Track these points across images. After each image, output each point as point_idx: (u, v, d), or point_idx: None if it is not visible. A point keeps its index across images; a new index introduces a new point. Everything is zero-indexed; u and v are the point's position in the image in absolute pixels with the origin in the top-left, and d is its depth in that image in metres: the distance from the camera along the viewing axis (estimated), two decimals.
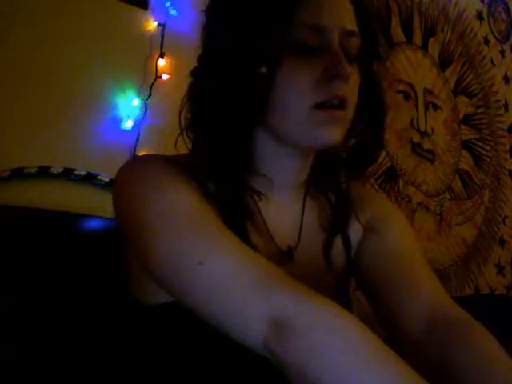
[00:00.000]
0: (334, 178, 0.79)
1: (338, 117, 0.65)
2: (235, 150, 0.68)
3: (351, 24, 0.67)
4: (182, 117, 0.70)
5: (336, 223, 0.78)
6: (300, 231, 0.74)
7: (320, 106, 0.64)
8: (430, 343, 0.67)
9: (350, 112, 0.67)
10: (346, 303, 0.73)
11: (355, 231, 0.79)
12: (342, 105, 0.65)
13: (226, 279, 0.56)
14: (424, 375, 0.51)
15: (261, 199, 0.71)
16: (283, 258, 0.71)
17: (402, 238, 0.79)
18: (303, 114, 0.64)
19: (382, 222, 0.78)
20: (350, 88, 0.66)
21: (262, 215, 0.71)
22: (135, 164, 0.70)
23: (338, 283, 0.76)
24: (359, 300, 0.80)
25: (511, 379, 0.59)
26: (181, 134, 0.70)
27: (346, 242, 0.79)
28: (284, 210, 0.74)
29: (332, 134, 0.65)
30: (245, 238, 0.66)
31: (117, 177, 0.69)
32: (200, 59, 0.71)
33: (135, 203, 0.64)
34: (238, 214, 0.68)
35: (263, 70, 0.63)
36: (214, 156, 0.68)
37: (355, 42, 0.67)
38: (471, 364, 0.62)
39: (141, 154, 1.22)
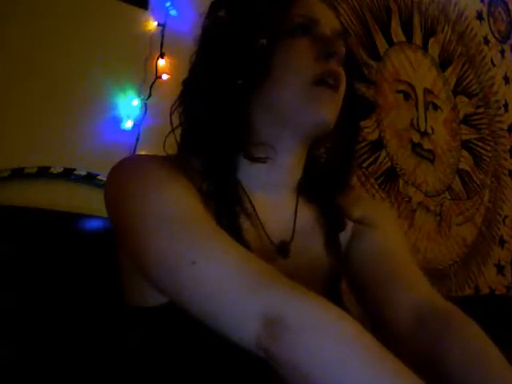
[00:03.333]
0: (323, 186, 0.80)
1: (333, 96, 0.70)
2: (231, 140, 0.70)
3: (340, 28, 0.74)
4: (174, 117, 0.72)
5: (329, 224, 0.79)
6: (294, 227, 0.75)
7: (317, 84, 0.69)
8: (418, 337, 0.68)
9: (341, 96, 0.72)
10: (338, 301, 0.73)
11: (346, 229, 0.80)
12: (336, 85, 0.70)
13: (220, 278, 0.56)
14: (413, 371, 0.50)
15: (254, 196, 0.72)
16: (277, 253, 0.72)
17: (391, 236, 0.81)
18: (301, 89, 0.69)
19: (371, 220, 0.79)
20: (342, 73, 0.71)
21: (256, 212, 0.72)
22: (127, 164, 0.69)
23: (329, 281, 0.77)
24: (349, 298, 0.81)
25: (500, 371, 0.59)
26: (172, 131, 0.72)
27: (337, 239, 0.79)
28: (278, 207, 0.75)
29: (327, 111, 0.69)
30: (239, 234, 0.67)
31: (109, 177, 0.69)
32: (197, 51, 0.74)
33: (128, 203, 0.63)
34: (231, 210, 0.69)
35: (263, 43, 0.69)
36: (208, 149, 0.70)
37: (342, 45, 0.73)
38: (460, 356, 0.62)
39: (133, 154, 1.22)
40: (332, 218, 0.79)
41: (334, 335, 0.52)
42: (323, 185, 0.79)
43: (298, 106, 0.69)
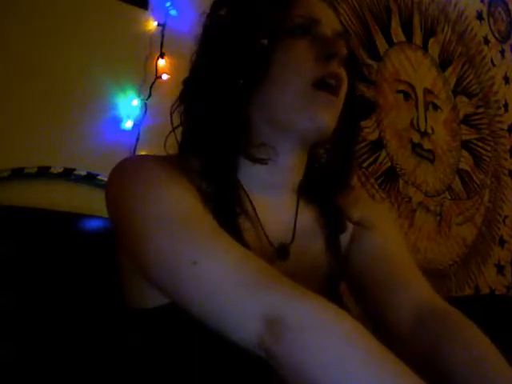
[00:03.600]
0: (323, 187, 0.80)
1: (333, 102, 0.69)
2: (231, 141, 0.69)
3: (340, 28, 0.74)
4: (174, 117, 0.72)
5: (330, 225, 0.79)
6: (294, 229, 0.75)
7: (318, 87, 0.68)
8: (419, 338, 0.68)
9: (341, 100, 0.71)
10: (338, 301, 0.73)
11: (345, 231, 0.80)
12: (337, 85, 0.69)
13: (220, 278, 0.56)
14: (414, 371, 0.50)
15: (255, 197, 0.72)
16: (276, 255, 0.72)
17: (390, 237, 0.81)
18: (302, 92, 0.68)
19: (370, 222, 0.79)
20: (344, 74, 0.71)
21: (256, 213, 0.71)
22: (128, 164, 0.69)
23: (329, 282, 0.77)
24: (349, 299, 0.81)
25: (501, 372, 0.60)
26: (173, 130, 0.72)
27: (337, 241, 0.79)
28: (278, 209, 0.75)
29: (326, 117, 0.69)
30: (238, 235, 0.67)
31: (110, 177, 0.69)
32: (198, 50, 0.74)
33: (130, 204, 0.64)
34: (231, 211, 0.69)
35: (263, 42, 0.68)
36: (208, 149, 0.69)
37: (343, 45, 0.72)
38: (461, 357, 0.62)
39: (134, 154, 1.22)
40: (333, 219, 0.79)
41: (334, 335, 0.52)
42: (324, 185, 0.79)
43: (297, 109, 0.68)
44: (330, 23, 0.72)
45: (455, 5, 2.27)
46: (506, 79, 2.46)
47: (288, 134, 0.71)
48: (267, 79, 0.69)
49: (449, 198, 2.08)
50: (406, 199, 1.91)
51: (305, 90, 0.68)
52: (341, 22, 0.76)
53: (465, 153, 2.20)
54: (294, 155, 0.73)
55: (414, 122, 2.00)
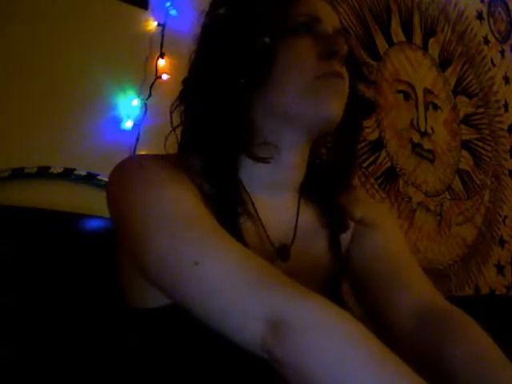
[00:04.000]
0: (325, 186, 0.80)
1: (339, 86, 0.69)
2: (233, 140, 0.69)
3: (340, 26, 0.74)
4: (174, 116, 0.72)
5: (332, 224, 0.79)
6: (295, 230, 0.75)
7: (321, 77, 0.68)
8: (420, 337, 0.68)
9: (346, 85, 0.71)
10: (339, 301, 0.73)
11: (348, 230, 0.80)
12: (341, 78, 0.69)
13: (222, 279, 0.56)
14: (415, 371, 0.50)
15: (256, 197, 0.72)
16: (277, 256, 0.72)
17: (391, 236, 0.81)
18: (305, 84, 0.68)
19: (372, 221, 0.79)
20: (345, 73, 0.71)
21: (257, 214, 0.71)
22: (128, 164, 0.69)
23: (330, 282, 0.77)
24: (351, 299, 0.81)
25: (502, 371, 0.59)
26: (173, 129, 0.72)
27: (337, 241, 0.79)
28: (280, 209, 0.75)
29: (334, 104, 0.68)
30: (239, 236, 0.66)
31: (111, 177, 0.69)
32: (197, 50, 0.74)
33: (131, 204, 0.63)
34: (232, 212, 0.69)
35: (265, 41, 0.68)
36: (209, 149, 0.69)
37: (344, 43, 0.71)
38: (462, 357, 0.62)
39: (134, 154, 1.23)
40: (335, 218, 0.79)
41: (335, 335, 0.52)
42: (325, 185, 0.79)
43: (301, 102, 0.68)
44: (330, 21, 0.72)
45: (455, 5, 2.27)
46: (506, 79, 2.46)
47: (294, 126, 0.70)
48: (269, 78, 0.68)
49: (449, 197, 2.08)
50: (406, 199, 1.91)
51: (308, 85, 0.68)
52: (340, 21, 0.76)
53: (465, 153, 2.20)
54: (297, 152, 0.73)
55: (414, 122, 2.00)
